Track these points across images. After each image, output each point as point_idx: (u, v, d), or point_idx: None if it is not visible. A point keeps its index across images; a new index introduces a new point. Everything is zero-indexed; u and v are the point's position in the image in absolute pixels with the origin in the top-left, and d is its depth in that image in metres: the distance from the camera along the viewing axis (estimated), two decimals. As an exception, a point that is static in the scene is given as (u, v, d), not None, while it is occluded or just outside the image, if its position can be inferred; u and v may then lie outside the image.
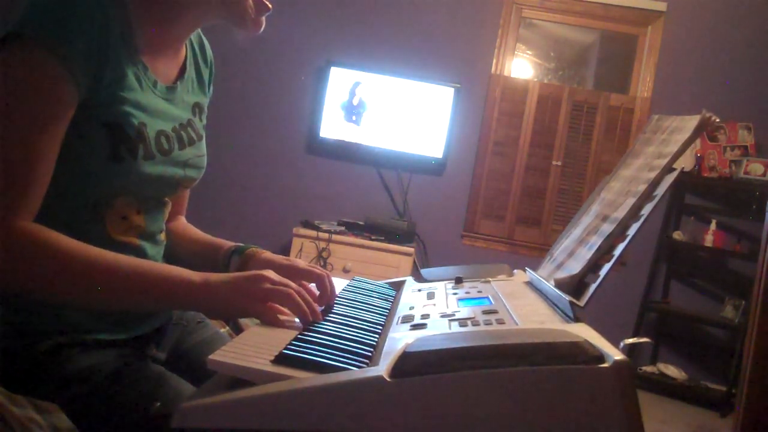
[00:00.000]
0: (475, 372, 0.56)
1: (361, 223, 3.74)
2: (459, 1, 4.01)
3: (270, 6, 0.97)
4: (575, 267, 0.85)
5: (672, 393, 3.62)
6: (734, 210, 3.77)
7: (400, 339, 0.72)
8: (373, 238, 3.58)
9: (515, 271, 1.16)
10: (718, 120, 0.92)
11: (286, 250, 3.63)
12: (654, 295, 3.85)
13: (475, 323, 0.76)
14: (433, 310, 0.86)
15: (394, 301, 1.02)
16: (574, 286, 0.81)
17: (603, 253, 0.80)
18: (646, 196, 0.82)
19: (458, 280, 1.08)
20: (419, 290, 1.05)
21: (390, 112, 3.92)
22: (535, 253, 3.90)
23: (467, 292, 0.96)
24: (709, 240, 3.68)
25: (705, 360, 3.82)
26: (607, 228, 0.84)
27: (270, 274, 0.84)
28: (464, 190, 4.00)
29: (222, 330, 1.19)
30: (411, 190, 3.97)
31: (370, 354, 0.69)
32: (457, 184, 3.99)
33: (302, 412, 0.57)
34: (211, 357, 0.62)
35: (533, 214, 3.98)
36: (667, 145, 0.87)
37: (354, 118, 3.94)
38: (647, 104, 3.89)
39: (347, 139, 3.93)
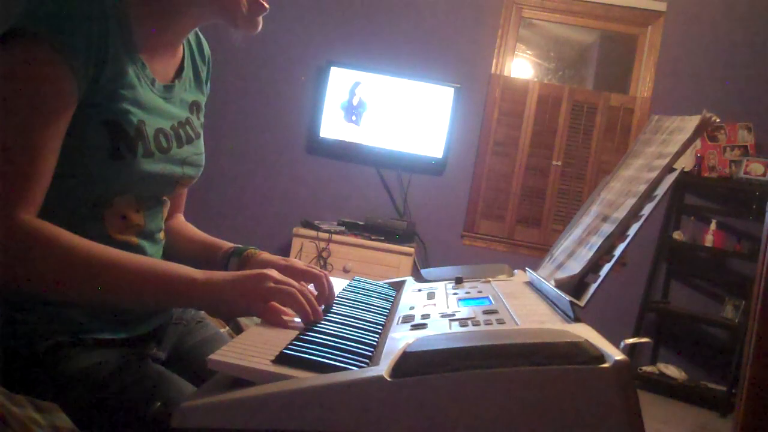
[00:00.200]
0: (476, 372, 0.56)
1: (361, 223, 3.74)
2: (459, 1, 4.01)
3: (267, 6, 0.97)
4: (575, 267, 0.85)
5: (672, 393, 3.62)
6: (734, 210, 3.77)
7: (400, 339, 0.73)
8: (373, 238, 3.58)
9: (515, 271, 1.16)
10: (718, 120, 0.92)
11: (286, 250, 3.63)
12: (654, 295, 3.85)
13: (476, 323, 0.76)
14: (433, 310, 0.86)
15: (395, 301, 1.02)
16: (575, 286, 0.81)
17: (603, 254, 0.80)
18: (647, 197, 0.82)
19: (458, 280, 1.08)
20: (419, 290, 1.05)
21: (390, 112, 3.92)
22: (535, 253, 3.90)
23: (467, 292, 0.97)
24: (709, 240, 3.68)
25: (705, 360, 3.82)
26: (608, 228, 0.84)
27: (272, 273, 0.84)
28: (464, 190, 4.00)
29: (222, 330, 1.18)
30: (411, 190, 3.97)
31: (370, 354, 0.69)
32: (457, 184, 3.99)
33: (303, 412, 0.57)
34: (211, 357, 0.62)
35: (533, 214, 3.98)
36: (667, 145, 0.87)
37: (354, 118, 3.94)
38: (647, 104, 3.89)
39: (347, 139, 3.93)
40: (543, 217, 3.98)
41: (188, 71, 1.04)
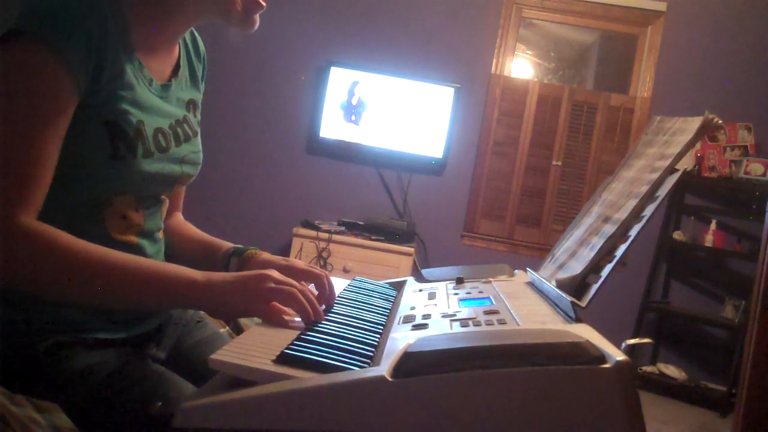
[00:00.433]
0: (477, 372, 0.56)
1: (361, 223, 3.74)
2: (459, 1, 4.01)
3: (264, 4, 0.97)
4: (577, 267, 0.85)
5: (672, 393, 3.62)
6: (734, 210, 3.78)
7: (401, 339, 0.73)
8: (373, 238, 3.58)
9: (516, 271, 1.16)
10: (720, 122, 0.91)
11: (286, 250, 3.63)
12: (654, 295, 3.85)
13: (477, 323, 0.76)
14: (434, 311, 0.86)
15: (395, 302, 1.02)
16: (576, 286, 0.81)
17: (604, 254, 0.80)
18: (648, 198, 0.82)
19: (459, 281, 1.08)
20: (420, 290, 1.05)
21: (390, 112, 3.92)
22: (535, 253, 3.90)
23: (468, 293, 0.97)
24: (709, 240, 3.68)
25: (705, 360, 3.82)
26: (609, 229, 0.84)
27: (273, 273, 0.84)
28: (464, 190, 4.00)
29: (222, 330, 1.19)
30: (411, 190, 3.97)
31: (371, 354, 0.69)
32: (457, 184, 3.99)
33: (304, 412, 0.57)
34: (212, 356, 0.62)
35: (533, 214, 3.98)
36: (669, 146, 0.87)
37: (353, 118, 3.94)
38: (647, 104, 3.89)
39: (347, 139, 3.93)
40: (543, 217, 3.98)
41: (184, 70, 1.04)
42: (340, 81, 3.92)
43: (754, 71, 3.77)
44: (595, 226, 0.91)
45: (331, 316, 0.86)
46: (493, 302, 0.88)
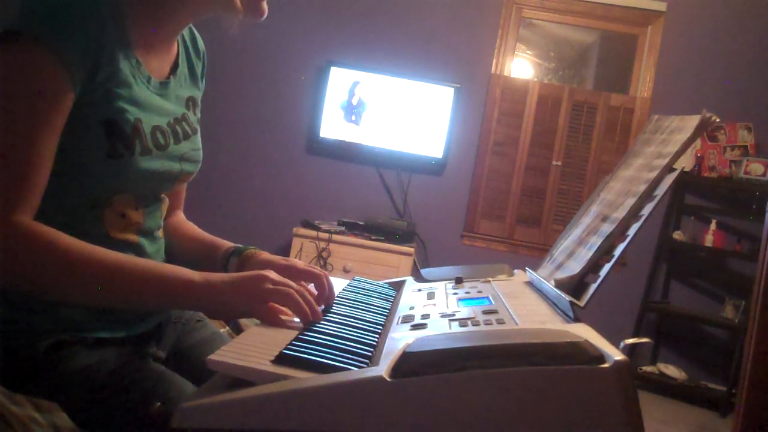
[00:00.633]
0: (476, 372, 0.56)
1: (361, 223, 3.74)
2: (459, 2, 4.01)
3: None
4: (575, 267, 0.85)
5: (672, 393, 3.62)
6: (734, 210, 3.77)
7: (400, 339, 0.73)
8: (373, 238, 3.58)
9: (515, 271, 1.16)
10: (718, 120, 0.91)
11: (286, 250, 3.63)
12: (654, 295, 3.85)
13: (476, 323, 0.76)
14: (433, 310, 0.86)
15: (394, 301, 1.02)
16: (574, 286, 0.82)
17: (603, 254, 0.80)
18: (646, 197, 0.82)
19: (458, 280, 1.08)
20: (419, 290, 1.05)
21: (390, 111, 3.92)
22: (535, 253, 3.90)
23: (467, 292, 0.97)
24: (709, 240, 3.68)
25: (705, 360, 3.82)
26: (607, 228, 0.84)
27: (271, 274, 0.84)
28: (464, 190, 4.00)
29: (222, 330, 1.19)
30: (411, 190, 3.97)
31: (370, 354, 0.69)
32: (457, 184, 3.99)
33: (303, 412, 0.57)
34: (211, 357, 0.62)
35: (533, 214, 3.98)
36: (667, 145, 0.87)
37: (354, 118, 3.94)
38: (647, 104, 3.89)
39: (347, 139, 3.93)
40: (543, 217, 3.98)
41: (183, 67, 1.04)
42: (340, 81, 3.92)
43: (754, 71, 3.77)
44: (593, 225, 0.92)
45: (330, 316, 0.86)
46: (492, 302, 0.88)
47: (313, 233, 3.55)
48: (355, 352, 0.68)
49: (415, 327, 0.78)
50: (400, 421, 0.56)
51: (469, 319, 0.78)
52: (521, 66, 4.20)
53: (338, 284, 1.03)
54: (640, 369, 3.69)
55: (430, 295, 0.98)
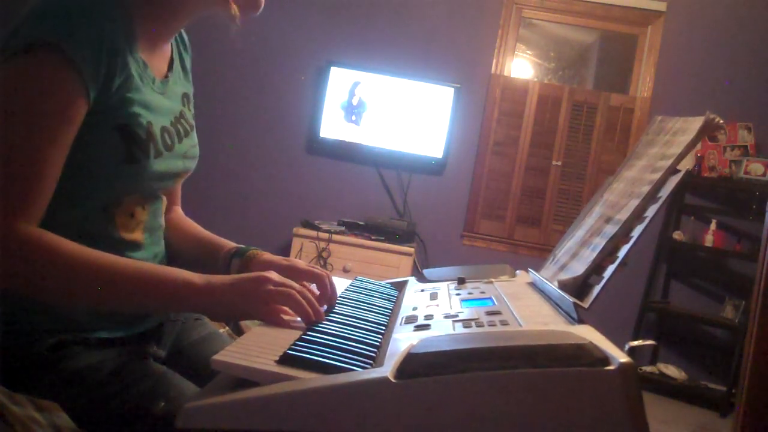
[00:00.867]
0: (480, 374, 0.56)
1: (361, 223, 3.74)
2: (459, 2, 4.00)
3: None
4: (579, 268, 0.84)
5: (672, 393, 3.62)
6: (734, 210, 3.77)
7: (403, 340, 0.72)
8: (373, 238, 3.57)
9: (518, 271, 1.15)
10: (722, 122, 0.91)
11: (286, 250, 3.63)
12: (654, 295, 3.85)
13: (479, 324, 0.76)
14: (436, 311, 0.86)
15: (397, 302, 1.02)
16: (578, 287, 0.81)
17: (606, 255, 0.80)
18: (650, 198, 0.82)
19: (461, 281, 1.08)
20: (422, 291, 1.05)
21: (390, 112, 3.92)
22: (535, 253, 3.90)
23: (470, 293, 0.96)
24: (709, 240, 3.68)
25: (705, 360, 3.82)
26: (611, 229, 0.84)
27: (272, 275, 0.84)
28: (464, 190, 4.00)
29: (221, 330, 1.19)
30: (411, 190, 3.97)
31: (374, 355, 0.69)
32: (457, 184, 3.99)
33: (307, 412, 0.57)
34: (215, 357, 0.62)
35: (533, 214, 3.98)
36: (670, 146, 0.87)
37: (354, 118, 3.94)
38: (647, 104, 3.89)
39: (347, 139, 3.93)
40: (543, 217, 3.98)
41: (177, 63, 1.05)
42: (340, 81, 3.92)
43: (754, 71, 3.77)
44: (596, 226, 0.91)
45: (333, 317, 0.86)
46: (495, 303, 0.88)
47: (313, 233, 3.55)
48: (359, 353, 0.68)
49: (419, 328, 0.78)
50: (404, 422, 0.56)
51: (472, 320, 0.78)
52: (521, 66, 4.20)
53: (340, 284, 1.03)
54: (641, 369, 3.69)
55: (433, 296, 0.98)
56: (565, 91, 3.97)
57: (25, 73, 0.79)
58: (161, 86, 0.96)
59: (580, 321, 0.73)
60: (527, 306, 0.85)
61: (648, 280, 3.82)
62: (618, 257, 0.77)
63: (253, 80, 4.07)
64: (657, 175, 0.83)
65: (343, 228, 3.67)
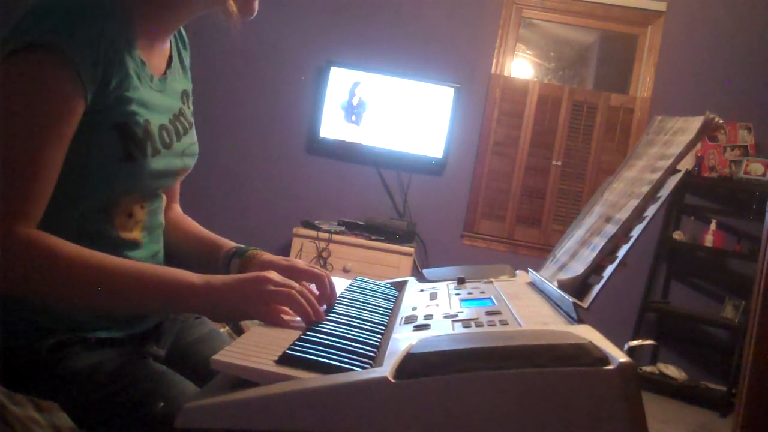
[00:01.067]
0: (480, 373, 0.56)
1: (361, 223, 3.74)
2: (459, 2, 4.00)
3: None
4: (578, 268, 0.84)
5: (672, 393, 3.62)
6: (734, 210, 3.77)
7: (403, 340, 0.72)
8: (373, 238, 3.57)
9: (517, 271, 1.15)
10: (721, 122, 0.91)
11: (286, 250, 3.63)
12: (654, 295, 3.85)
13: (479, 324, 0.76)
14: (436, 311, 0.86)
15: (397, 302, 1.02)
16: (577, 287, 0.81)
17: (606, 255, 0.80)
18: (650, 198, 0.82)
19: (460, 281, 1.08)
20: (421, 291, 1.05)
21: (390, 112, 3.92)
22: (535, 253, 3.90)
23: (470, 293, 0.96)
24: (709, 240, 3.68)
25: (705, 360, 3.82)
26: (611, 229, 0.84)
27: (272, 275, 0.84)
28: (464, 190, 4.00)
29: (221, 330, 1.19)
30: (411, 190, 3.97)
31: (373, 355, 0.69)
32: (457, 184, 3.99)
33: (307, 412, 0.57)
34: (214, 357, 0.62)
35: (533, 214, 3.98)
36: (670, 146, 0.87)
37: (354, 118, 3.94)
38: (647, 104, 3.89)
39: (347, 139, 3.93)
40: (543, 217, 3.98)
41: (176, 60, 1.05)
42: (340, 81, 3.92)
43: (754, 71, 3.77)
44: (596, 226, 0.91)
45: (333, 317, 0.86)
46: (495, 303, 0.88)
47: (313, 233, 3.55)
48: (359, 353, 0.68)
49: (419, 328, 0.78)
50: (403, 422, 0.56)
51: (472, 320, 0.78)
52: (521, 66, 4.20)
53: (340, 284, 1.03)
54: (641, 369, 3.69)
55: (433, 296, 0.98)
56: (565, 91, 3.97)
57: (23, 72, 0.79)
58: (160, 84, 0.96)
59: (580, 321, 0.73)
60: (527, 306, 0.85)
61: (648, 280, 3.82)
62: (618, 257, 0.77)
63: (253, 80, 4.07)
64: (657, 175, 0.83)
65: (343, 228, 3.67)
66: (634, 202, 0.83)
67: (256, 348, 0.67)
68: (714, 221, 3.69)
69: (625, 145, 3.89)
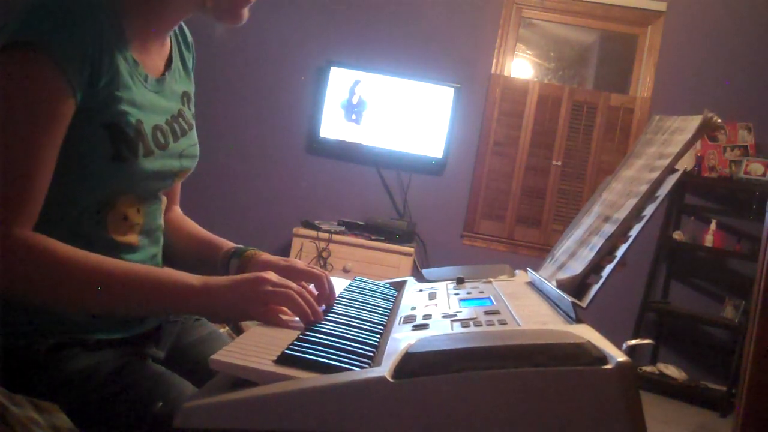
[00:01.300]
0: (478, 373, 0.56)
1: (361, 223, 3.74)
2: (459, 1, 4.00)
3: None
4: (577, 268, 0.84)
5: (672, 393, 3.62)
6: (734, 210, 3.77)
7: (402, 339, 0.73)
8: (373, 238, 3.58)
9: (516, 271, 1.15)
10: (720, 120, 0.91)
11: (286, 250, 3.63)
12: (654, 295, 3.85)
13: (478, 324, 0.76)
14: (434, 311, 0.86)
15: (396, 302, 1.02)
16: (576, 286, 0.81)
17: (605, 254, 0.80)
18: (648, 197, 0.82)
19: (460, 281, 1.08)
20: (420, 290, 1.05)
21: (390, 111, 3.92)
22: (535, 253, 3.90)
23: (469, 293, 0.96)
24: (709, 240, 3.68)
25: (705, 360, 3.82)
26: (609, 229, 0.84)
27: (270, 275, 0.84)
28: (464, 190, 4.00)
29: (221, 330, 1.19)
30: (411, 190, 3.97)
31: (372, 354, 0.69)
32: (457, 184, 3.99)
33: (305, 412, 0.57)
34: (213, 357, 0.62)
35: (533, 214, 3.98)
36: (668, 145, 0.87)
37: (354, 117, 3.94)
38: (647, 104, 3.89)
39: (347, 139, 3.93)
40: (543, 217, 3.98)
41: (177, 61, 1.04)
42: (340, 81, 3.92)
43: (754, 71, 3.77)
44: (595, 225, 0.91)
45: (332, 317, 0.86)
46: (494, 302, 0.88)
47: (313, 233, 3.55)
48: (357, 353, 0.68)
49: (417, 327, 0.78)
50: (402, 422, 0.56)
51: (471, 319, 0.78)
52: (521, 66, 4.20)
53: (339, 284, 1.03)
54: (641, 369, 3.68)
55: (432, 296, 0.98)
56: (565, 91, 3.97)
57: (9, 71, 0.79)
58: (156, 84, 0.96)
59: (579, 320, 0.73)
60: (526, 305, 0.85)
61: (648, 280, 3.81)
62: (616, 256, 0.77)
63: (253, 80, 4.07)
64: (655, 174, 0.83)
65: (343, 228, 3.67)
66: (632, 202, 0.83)
67: (254, 348, 0.67)
68: (714, 221, 3.69)
69: (625, 145, 3.89)
